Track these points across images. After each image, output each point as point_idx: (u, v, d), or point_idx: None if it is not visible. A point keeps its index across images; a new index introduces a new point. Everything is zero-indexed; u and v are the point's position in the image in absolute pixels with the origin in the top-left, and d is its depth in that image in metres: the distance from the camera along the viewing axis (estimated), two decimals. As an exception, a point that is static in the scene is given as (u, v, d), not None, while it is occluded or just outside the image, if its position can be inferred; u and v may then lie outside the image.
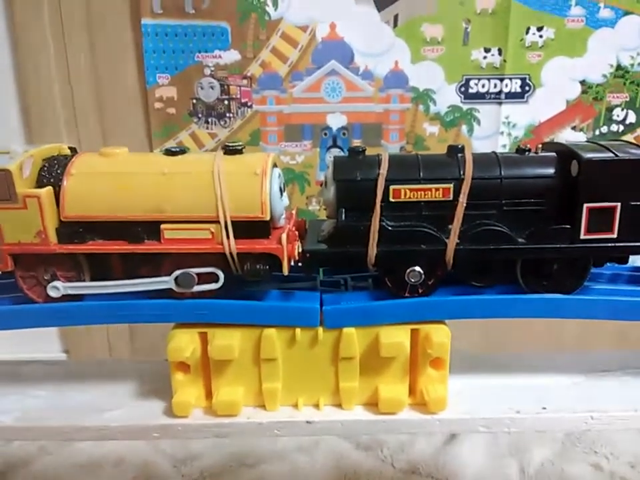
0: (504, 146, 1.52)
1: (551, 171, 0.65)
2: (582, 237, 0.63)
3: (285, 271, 0.62)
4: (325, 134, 1.52)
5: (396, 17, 1.44)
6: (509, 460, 1.32)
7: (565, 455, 1.33)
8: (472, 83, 1.48)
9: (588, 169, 0.62)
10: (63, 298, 0.65)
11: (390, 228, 0.64)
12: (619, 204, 0.63)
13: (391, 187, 0.64)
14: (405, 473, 1.30)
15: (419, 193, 0.64)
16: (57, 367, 0.81)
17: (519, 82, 1.47)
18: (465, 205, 0.64)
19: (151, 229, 0.62)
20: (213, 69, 1.46)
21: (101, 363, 0.91)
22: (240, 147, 0.64)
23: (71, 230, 0.62)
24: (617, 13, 1.44)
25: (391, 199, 0.64)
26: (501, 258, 0.65)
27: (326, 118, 1.51)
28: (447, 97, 1.49)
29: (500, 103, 1.49)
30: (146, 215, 0.62)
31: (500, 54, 1.45)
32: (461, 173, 0.64)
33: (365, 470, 1.31)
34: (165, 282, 0.64)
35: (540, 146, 0.68)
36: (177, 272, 0.63)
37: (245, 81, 1.48)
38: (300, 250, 0.65)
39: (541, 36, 1.44)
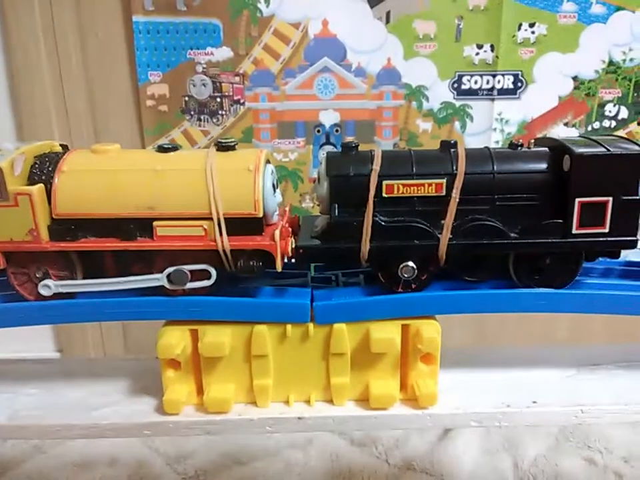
0: (497, 142, 1.52)
1: (544, 165, 0.65)
2: (574, 231, 0.64)
3: (279, 268, 0.62)
4: (318, 131, 1.52)
5: (388, 14, 1.44)
6: (502, 455, 1.33)
7: (559, 450, 1.33)
8: (464, 79, 1.48)
9: (580, 164, 0.62)
10: (55, 296, 0.65)
11: (383, 223, 0.64)
12: (610, 198, 0.63)
13: (384, 183, 0.64)
14: (400, 469, 1.31)
15: (411, 188, 0.64)
16: (48, 365, 0.81)
17: (512, 78, 1.48)
18: (457, 200, 0.64)
19: (144, 226, 0.62)
20: (205, 66, 1.46)
21: (93, 361, 0.91)
22: (233, 144, 0.64)
23: (62, 227, 0.62)
24: (609, 9, 1.44)
25: (384, 195, 0.64)
26: (493, 253, 0.65)
27: (319, 115, 1.51)
28: (440, 93, 1.49)
29: (492, 100, 1.49)
30: (138, 212, 0.62)
31: (492, 50, 1.45)
32: (454, 168, 0.64)
33: (359, 466, 1.31)
34: (157, 279, 0.64)
35: (532, 141, 0.68)
36: (169, 269, 0.63)
37: (237, 78, 1.47)
38: (293, 246, 0.65)
39: (533, 32, 1.44)
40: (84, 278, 0.66)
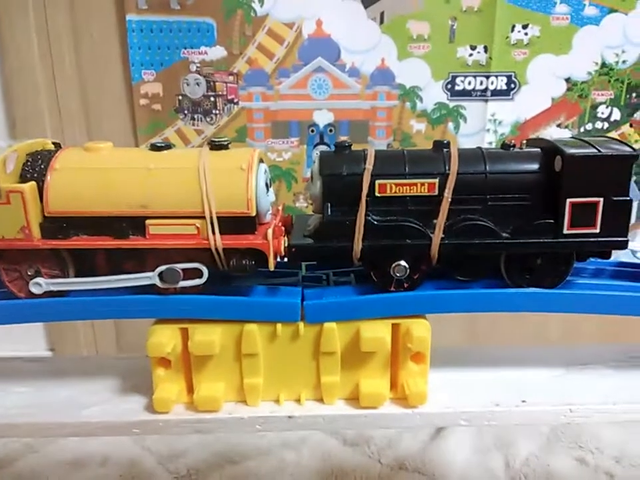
0: (490, 143, 1.53)
1: (535, 166, 0.65)
2: (565, 231, 0.64)
3: (271, 267, 0.62)
4: (312, 131, 1.52)
5: (382, 14, 1.44)
6: (494, 454, 1.33)
7: (550, 449, 1.34)
8: (458, 80, 1.49)
9: (571, 164, 0.62)
10: (47, 294, 0.64)
11: (375, 222, 0.64)
12: (601, 199, 0.63)
13: (377, 182, 0.64)
14: (392, 468, 1.31)
15: (404, 187, 0.64)
16: (40, 363, 0.81)
17: (505, 79, 1.48)
18: (450, 199, 0.64)
19: (136, 224, 0.62)
20: (198, 65, 1.46)
21: (84, 360, 0.91)
22: (226, 143, 0.64)
23: (54, 225, 0.62)
24: (601, 11, 1.45)
25: (377, 194, 0.64)
26: (485, 252, 0.66)
27: (313, 115, 1.51)
28: (434, 94, 1.50)
29: (486, 101, 1.50)
30: (131, 210, 0.61)
31: (486, 51, 1.46)
32: (447, 168, 0.64)
33: (351, 466, 1.31)
34: (149, 278, 0.64)
35: (524, 142, 0.69)
36: (161, 268, 0.63)
37: (231, 78, 1.47)
38: (286, 245, 0.65)
39: (526, 33, 1.45)
40: (76, 276, 0.65)
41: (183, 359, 0.66)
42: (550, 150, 0.65)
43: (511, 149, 0.67)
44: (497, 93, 1.49)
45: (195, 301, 0.64)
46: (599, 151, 0.62)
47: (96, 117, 1.50)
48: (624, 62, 1.48)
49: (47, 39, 1.43)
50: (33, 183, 0.61)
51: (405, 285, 0.66)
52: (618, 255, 0.71)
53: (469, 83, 1.49)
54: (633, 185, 0.65)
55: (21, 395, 0.70)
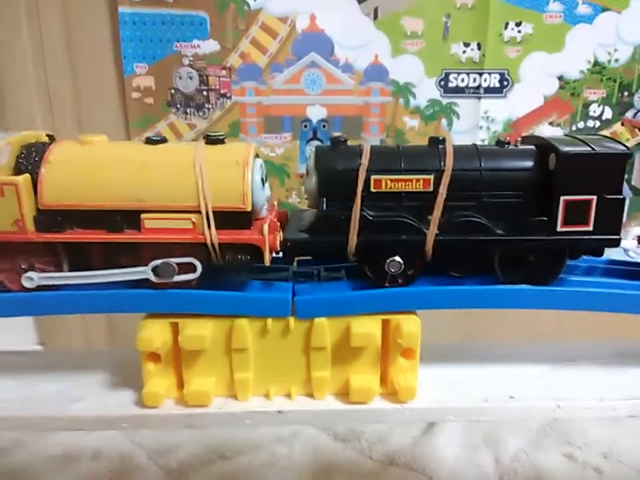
0: (483, 140, 1.53)
1: (530, 163, 0.66)
2: (558, 229, 0.64)
3: (267, 262, 0.62)
4: (305, 126, 1.52)
5: (376, 10, 1.44)
6: (484, 450, 1.34)
7: (539, 445, 1.35)
8: (451, 77, 1.49)
9: (565, 162, 0.63)
10: (40, 287, 0.64)
11: (370, 218, 0.64)
12: (595, 197, 0.64)
13: (372, 177, 0.64)
14: (383, 463, 1.31)
15: (399, 183, 0.64)
16: (29, 357, 0.81)
17: (498, 77, 1.48)
18: (444, 196, 0.64)
19: (131, 218, 0.61)
20: (191, 58, 1.45)
21: (74, 354, 0.90)
22: (222, 137, 0.64)
23: (49, 218, 0.61)
24: (594, 9, 1.45)
25: (372, 189, 0.64)
26: (479, 249, 0.66)
27: (306, 110, 1.50)
28: (427, 90, 1.50)
29: (479, 98, 1.50)
30: (126, 204, 0.61)
31: (479, 48, 1.46)
32: (442, 164, 0.64)
33: (342, 461, 1.31)
34: (143, 272, 0.63)
35: (519, 139, 0.69)
36: (155, 262, 0.63)
37: (224, 72, 1.47)
38: (281, 239, 0.65)
39: (519, 31, 1.45)
40: (70, 269, 0.65)
41: (173, 353, 0.66)
42: (544, 148, 0.66)
43: (506, 146, 0.67)
44: (489, 90, 1.49)
45: (186, 295, 0.64)
46: (593, 149, 0.63)
47: (87, 110, 1.48)
48: (616, 60, 1.49)
49: (39, 31, 1.42)
50: (27, 175, 0.61)
51: (400, 281, 0.66)
52: (610, 253, 0.71)
53: (462, 80, 1.49)
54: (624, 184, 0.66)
55: (10, 389, 0.70)
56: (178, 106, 1.49)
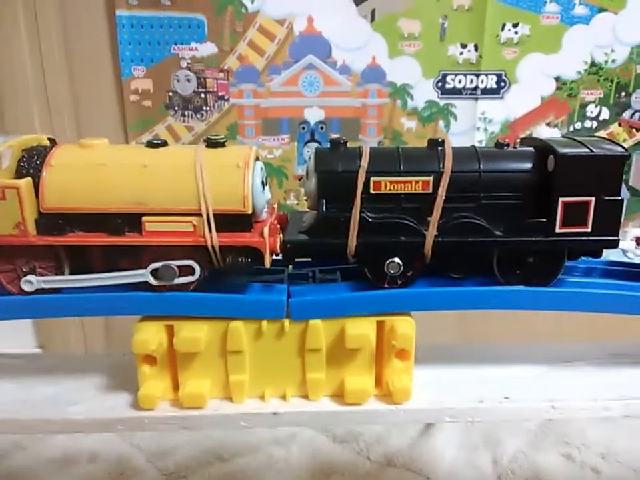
0: (480, 141, 1.53)
1: (529, 165, 0.66)
2: (557, 230, 0.65)
3: (267, 264, 0.62)
4: (303, 128, 1.52)
5: (373, 12, 1.44)
6: (482, 451, 1.34)
7: (537, 446, 1.35)
8: (449, 78, 1.49)
9: (564, 164, 0.63)
10: (40, 290, 0.64)
11: (370, 219, 0.65)
12: (593, 198, 0.64)
13: (372, 179, 0.64)
14: (381, 464, 1.31)
15: (399, 185, 0.65)
16: (27, 360, 0.81)
17: (495, 78, 1.49)
18: (444, 197, 0.64)
19: (132, 221, 0.62)
20: (189, 61, 1.45)
21: (71, 357, 0.90)
22: (222, 140, 0.64)
23: (50, 222, 0.62)
24: (591, 10, 1.46)
25: (372, 191, 0.65)
26: (478, 250, 0.66)
27: (304, 112, 1.51)
28: (424, 92, 1.50)
29: (476, 99, 1.51)
30: (127, 207, 0.61)
31: (476, 50, 1.46)
32: (441, 166, 0.65)
33: (340, 462, 1.31)
34: (142, 275, 0.63)
35: (518, 141, 0.69)
36: (153, 265, 0.63)
37: (221, 74, 1.47)
38: (281, 241, 0.65)
39: (516, 32, 1.45)
40: (71, 272, 0.65)
41: (169, 355, 0.66)
42: (543, 149, 0.66)
43: (505, 147, 0.68)
44: (487, 92, 1.50)
45: (180, 297, 0.64)
46: (592, 151, 0.63)
47: (86, 113, 1.49)
48: (613, 61, 1.49)
49: (37, 34, 1.42)
50: (29, 178, 0.61)
51: (399, 282, 0.66)
52: (608, 254, 0.71)
53: (460, 81, 1.49)
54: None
55: (7, 392, 0.70)
56: (176, 108, 1.49)
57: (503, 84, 1.49)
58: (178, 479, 1.26)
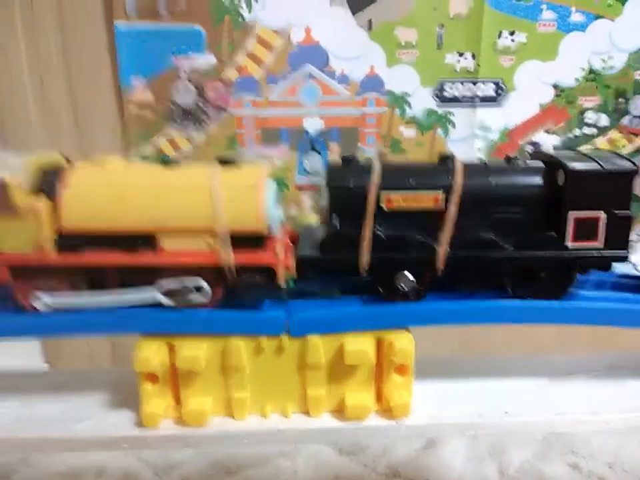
0: (479, 149, 1.53)
1: (539, 180, 0.66)
2: (568, 245, 0.65)
3: (281, 282, 0.63)
4: (303, 137, 1.53)
5: (370, 21, 1.44)
6: (488, 462, 1.33)
7: (544, 456, 1.34)
8: (446, 86, 1.49)
9: (574, 179, 0.63)
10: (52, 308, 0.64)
11: (382, 235, 0.65)
12: (603, 213, 0.64)
13: (383, 195, 0.65)
14: (387, 476, 1.31)
15: (410, 200, 0.65)
16: (32, 378, 0.81)
17: (493, 86, 1.49)
18: (455, 212, 0.65)
19: (149, 240, 0.62)
20: (188, 72, 1.46)
21: (76, 374, 0.90)
22: (234, 159, 0.65)
23: (68, 241, 0.62)
24: (587, 17, 1.46)
25: (383, 206, 0.65)
26: (489, 265, 0.66)
27: (303, 121, 1.51)
28: (423, 100, 1.50)
29: (474, 107, 1.51)
30: (143, 226, 0.62)
31: (473, 58, 1.47)
32: (452, 181, 0.65)
33: (347, 475, 1.31)
34: (152, 296, 0.64)
35: (528, 154, 0.70)
36: (163, 285, 0.63)
37: (220, 85, 1.48)
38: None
39: (513, 40, 1.46)
40: (87, 290, 0.65)
41: (171, 373, 0.66)
42: (553, 164, 0.66)
43: (515, 162, 0.68)
44: (485, 99, 1.50)
45: (180, 315, 0.64)
46: (602, 166, 0.63)
47: (85, 123, 1.49)
48: (611, 68, 1.49)
49: (36, 46, 1.43)
50: (47, 199, 0.61)
51: (410, 297, 0.67)
52: (617, 266, 0.71)
53: (458, 90, 1.50)
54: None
55: (12, 410, 0.70)
56: (176, 119, 1.50)
57: (500, 91, 1.50)
58: (184, 493, 1.26)
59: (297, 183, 1.55)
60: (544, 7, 1.44)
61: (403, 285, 0.66)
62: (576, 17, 1.46)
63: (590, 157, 0.65)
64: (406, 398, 0.66)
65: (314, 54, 1.47)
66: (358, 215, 0.64)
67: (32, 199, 0.61)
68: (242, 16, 1.43)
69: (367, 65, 1.47)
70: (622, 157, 0.66)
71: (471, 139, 1.53)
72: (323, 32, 1.45)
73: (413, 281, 0.66)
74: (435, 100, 1.50)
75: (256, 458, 1.33)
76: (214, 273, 0.63)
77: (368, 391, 0.67)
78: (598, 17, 1.46)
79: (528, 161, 0.69)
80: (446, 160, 0.67)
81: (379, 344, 0.66)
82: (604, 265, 0.68)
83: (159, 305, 0.64)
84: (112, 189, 0.62)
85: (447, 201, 0.65)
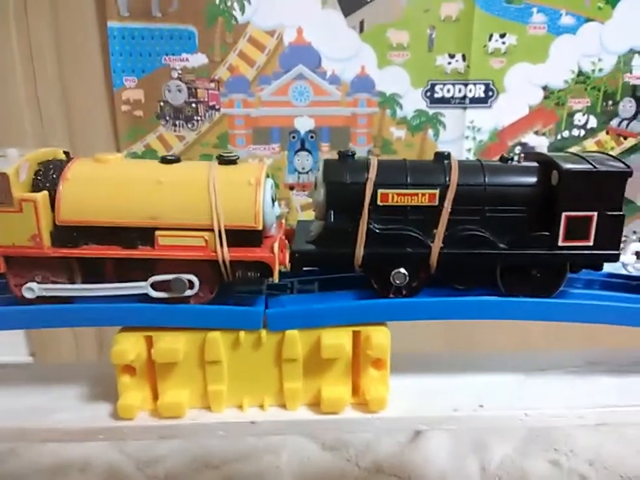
0: (469, 150, 1.54)
1: (533, 180, 0.68)
2: (560, 243, 0.66)
3: (276, 279, 0.64)
4: (293, 137, 1.54)
5: (362, 23, 1.46)
6: (470, 457, 1.35)
7: (525, 452, 1.35)
8: (437, 88, 1.50)
9: (567, 179, 0.64)
10: (50, 300, 0.65)
11: (377, 230, 0.66)
12: (595, 213, 0.65)
13: (379, 191, 0.66)
14: (370, 472, 1.32)
15: (405, 197, 0.66)
16: (16, 369, 0.82)
17: (483, 87, 1.50)
18: (449, 210, 0.66)
19: (145, 235, 0.63)
20: (180, 72, 1.47)
21: (58, 366, 0.91)
22: (234, 158, 0.66)
23: (65, 234, 0.63)
24: (578, 20, 1.47)
25: (379, 203, 0.66)
26: (482, 262, 0.68)
27: (294, 121, 1.52)
28: (413, 101, 1.51)
29: (465, 108, 1.52)
30: (141, 221, 0.63)
31: (464, 60, 1.48)
32: (447, 179, 0.66)
33: (330, 470, 1.32)
34: (141, 287, 0.65)
35: (523, 155, 0.71)
36: (152, 278, 0.64)
37: (212, 84, 1.49)
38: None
39: (503, 42, 1.47)
40: (83, 283, 0.66)
41: (148, 366, 0.67)
42: (547, 164, 0.67)
43: (509, 162, 0.69)
44: (475, 101, 1.51)
45: (158, 309, 0.65)
46: (595, 167, 0.65)
47: (78, 122, 1.50)
48: (600, 70, 1.51)
49: (29, 45, 1.44)
50: (45, 192, 0.63)
51: (404, 292, 0.68)
52: (607, 266, 0.72)
53: (448, 91, 1.51)
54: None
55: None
56: (167, 118, 1.51)
57: (490, 93, 1.51)
58: (167, 486, 1.27)
59: (287, 182, 1.56)
60: (534, 9, 1.46)
61: (397, 281, 0.66)
62: (566, 20, 1.47)
63: (583, 158, 0.67)
64: (382, 392, 0.67)
65: (306, 55, 1.48)
66: (354, 211, 0.66)
67: (30, 192, 0.62)
68: (235, 17, 1.44)
69: (358, 65, 1.49)
70: (615, 158, 0.68)
71: (460, 139, 1.54)
72: (314, 33, 1.46)
73: (406, 276, 0.66)
74: (426, 101, 1.51)
75: (240, 453, 1.34)
76: (210, 268, 0.64)
77: (344, 384, 0.68)
78: (588, 19, 1.47)
79: (523, 161, 0.70)
80: (442, 158, 0.68)
81: (356, 338, 0.67)
82: (596, 264, 0.69)
83: (144, 299, 0.65)
84: (110, 184, 0.63)
85: (442, 198, 0.66)
